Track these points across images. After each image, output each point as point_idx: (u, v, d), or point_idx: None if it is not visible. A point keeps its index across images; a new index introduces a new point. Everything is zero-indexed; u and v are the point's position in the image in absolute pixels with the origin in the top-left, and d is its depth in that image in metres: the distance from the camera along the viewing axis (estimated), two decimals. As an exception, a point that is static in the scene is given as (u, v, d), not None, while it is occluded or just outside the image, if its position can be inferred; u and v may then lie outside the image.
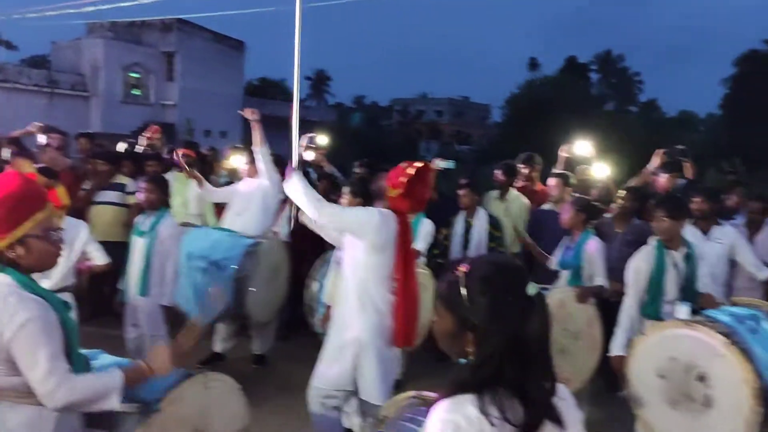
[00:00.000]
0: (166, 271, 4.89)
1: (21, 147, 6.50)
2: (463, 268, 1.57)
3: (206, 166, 6.64)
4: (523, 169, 6.70)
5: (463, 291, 1.53)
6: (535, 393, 1.49)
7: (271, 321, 5.82)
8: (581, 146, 6.40)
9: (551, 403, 1.53)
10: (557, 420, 1.52)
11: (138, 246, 4.90)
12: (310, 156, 7.09)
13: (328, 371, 3.82)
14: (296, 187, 3.70)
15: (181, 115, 30.73)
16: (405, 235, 3.72)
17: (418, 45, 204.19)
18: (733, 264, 5.28)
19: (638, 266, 4.19)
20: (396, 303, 3.68)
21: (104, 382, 2.16)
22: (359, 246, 3.71)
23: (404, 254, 3.69)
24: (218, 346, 5.84)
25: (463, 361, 1.57)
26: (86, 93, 29.08)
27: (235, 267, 5.15)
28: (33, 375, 2.04)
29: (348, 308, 3.78)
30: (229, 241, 5.34)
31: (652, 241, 4.23)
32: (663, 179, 6.01)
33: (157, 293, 4.88)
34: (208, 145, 6.71)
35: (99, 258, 4.69)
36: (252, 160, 5.94)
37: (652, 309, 4.15)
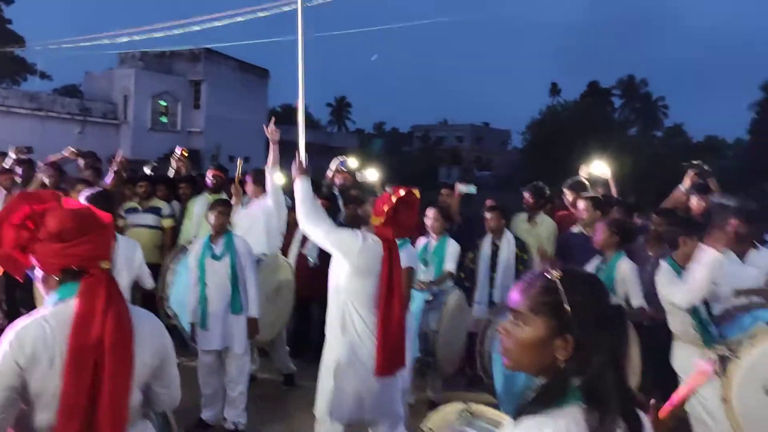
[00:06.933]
0: (248, 286, 4.82)
1: (60, 171, 6.66)
2: (556, 273, 1.48)
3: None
4: (569, 195, 6.48)
5: (564, 296, 1.44)
6: (633, 417, 1.40)
7: (279, 339, 5.79)
8: (598, 166, 6.38)
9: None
10: None
11: (215, 268, 4.77)
12: (339, 180, 7.10)
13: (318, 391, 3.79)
14: (300, 191, 3.73)
15: (207, 141, 31.20)
16: (391, 261, 3.59)
17: (438, 71, 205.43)
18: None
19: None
20: (377, 330, 3.56)
21: None
22: (344, 267, 3.64)
23: (388, 281, 3.56)
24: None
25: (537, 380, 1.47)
26: (117, 121, 29.76)
27: None
28: None
29: (331, 329, 3.73)
30: None
31: (664, 261, 4.20)
32: (696, 201, 5.94)
33: (246, 308, 4.80)
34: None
35: (146, 282, 4.74)
36: (256, 180, 5.89)
37: (704, 331, 4.03)
